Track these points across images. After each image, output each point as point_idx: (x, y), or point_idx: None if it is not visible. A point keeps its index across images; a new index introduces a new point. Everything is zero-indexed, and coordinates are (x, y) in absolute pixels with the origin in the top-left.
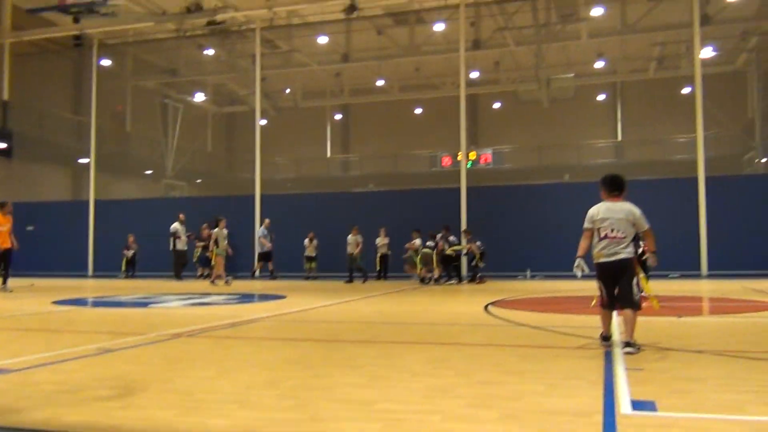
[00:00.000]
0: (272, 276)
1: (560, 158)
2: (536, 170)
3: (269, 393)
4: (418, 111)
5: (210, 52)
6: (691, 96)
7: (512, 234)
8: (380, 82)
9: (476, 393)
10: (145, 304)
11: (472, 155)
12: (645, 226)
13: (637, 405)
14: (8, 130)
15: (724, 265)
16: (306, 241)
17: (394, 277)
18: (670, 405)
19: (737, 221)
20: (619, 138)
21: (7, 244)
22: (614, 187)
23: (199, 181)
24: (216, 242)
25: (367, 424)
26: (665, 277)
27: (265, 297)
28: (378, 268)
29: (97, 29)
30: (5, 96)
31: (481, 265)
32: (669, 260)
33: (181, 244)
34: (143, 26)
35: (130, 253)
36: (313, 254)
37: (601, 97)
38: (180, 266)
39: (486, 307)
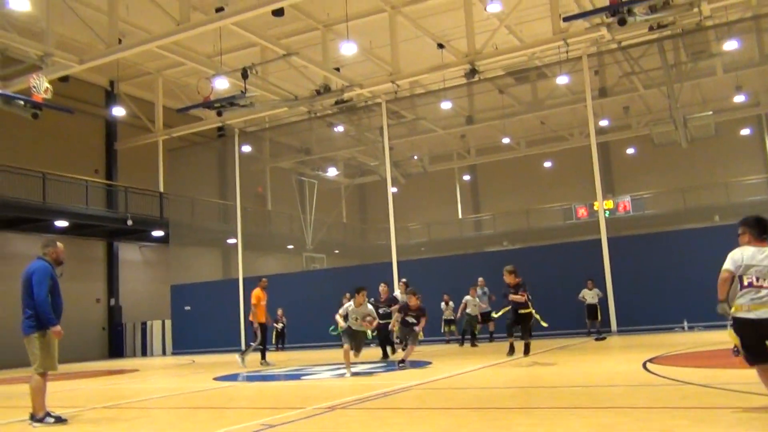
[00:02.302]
0: (490, 338)
1: (707, 199)
2: (681, 214)
3: None
4: (548, 164)
5: (339, 128)
6: None
7: (663, 284)
8: (506, 140)
9: None
10: (298, 377)
11: (609, 204)
12: None
13: None
14: (165, 219)
15: None
16: (442, 304)
17: (538, 336)
18: None
19: None
20: None
21: (264, 319)
22: (762, 229)
23: (336, 251)
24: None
25: None
26: None
27: (412, 364)
28: None
29: (237, 119)
30: (161, 188)
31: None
32: None
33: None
34: (278, 112)
35: (279, 326)
36: (451, 317)
37: (745, 132)
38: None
39: (645, 364)
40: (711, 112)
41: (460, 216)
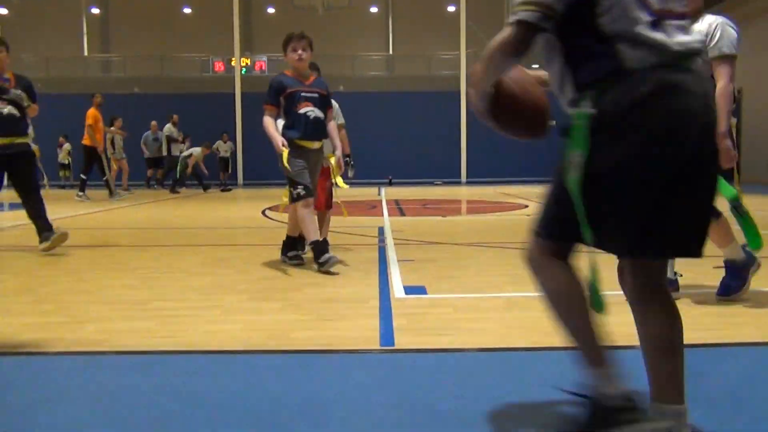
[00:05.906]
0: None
1: (336, 69)
2: None
3: (23, 299)
4: (187, 11)
5: None
6: (456, 14)
7: None
8: None
9: (258, 288)
10: None
11: (246, 61)
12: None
13: (409, 290)
14: None
15: (481, 173)
16: (57, 148)
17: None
18: (439, 288)
19: (493, 135)
20: (391, 52)
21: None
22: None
23: None
24: (113, 144)
25: (142, 323)
26: (431, 183)
27: (20, 205)
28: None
29: None
30: None
31: None
32: (433, 168)
33: (176, 149)
34: None
35: None
36: (67, 161)
37: (374, 10)
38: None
39: (264, 211)
40: None
41: (86, 53)
